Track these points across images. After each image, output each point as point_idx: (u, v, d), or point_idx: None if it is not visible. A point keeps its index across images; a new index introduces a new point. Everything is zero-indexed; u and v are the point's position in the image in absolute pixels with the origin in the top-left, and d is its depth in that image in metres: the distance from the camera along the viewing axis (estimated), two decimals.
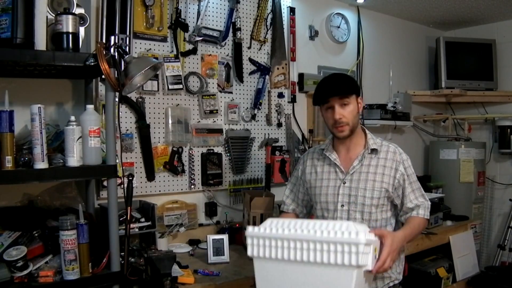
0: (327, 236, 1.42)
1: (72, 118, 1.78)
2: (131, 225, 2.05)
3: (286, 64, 3.08)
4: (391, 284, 1.85)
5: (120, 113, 2.09)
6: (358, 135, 1.89)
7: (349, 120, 1.80)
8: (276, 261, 1.50)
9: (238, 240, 2.61)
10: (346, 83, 1.84)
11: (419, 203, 1.84)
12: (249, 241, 1.54)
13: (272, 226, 1.53)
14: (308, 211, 2.05)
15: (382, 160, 1.84)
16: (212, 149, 2.74)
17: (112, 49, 1.82)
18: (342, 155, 1.90)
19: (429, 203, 1.87)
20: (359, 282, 1.43)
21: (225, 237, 2.33)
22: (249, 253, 1.55)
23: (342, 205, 1.84)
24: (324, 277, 1.43)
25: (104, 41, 2.25)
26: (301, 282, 1.47)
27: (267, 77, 2.98)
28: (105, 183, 2.08)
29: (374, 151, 1.86)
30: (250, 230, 1.55)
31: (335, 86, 1.81)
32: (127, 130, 2.43)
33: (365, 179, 1.82)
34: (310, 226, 1.48)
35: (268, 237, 1.51)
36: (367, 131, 1.93)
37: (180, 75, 2.57)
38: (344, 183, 1.85)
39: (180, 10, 2.59)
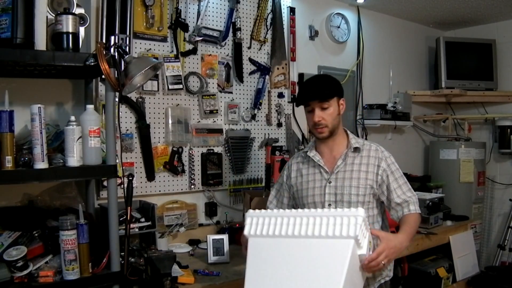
0: (328, 211, 1.48)
1: (72, 118, 1.77)
2: (131, 225, 2.05)
3: (286, 64, 3.08)
4: (382, 281, 1.87)
5: (120, 113, 2.09)
6: (340, 136, 1.92)
7: (328, 123, 1.84)
8: (273, 237, 1.51)
9: (238, 240, 2.59)
10: (326, 87, 1.87)
11: (407, 198, 1.86)
12: (248, 220, 1.57)
13: (273, 210, 1.58)
14: None
15: (365, 158, 1.88)
16: (212, 149, 2.74)
17: (112, 49, 1.82)
18: (326, 155, 1.93)
19: (417, 197, 1.90)
20: (353, 265, 1.43)
21: (225, 237, 2.33)
22: (245, 231, 1.58)
23: (329, 204, 1.86)
24: (321, 249, 1.44)
25: (104, 41, 2.25)
26: (297, 256, 1.47)
27: (267, 77, 2.98)
28: (105, 183, 2.08)
29: (356, 149, 1.89)
30: (251, 211, 1.59)
31: (315, 90, 1.85)
32: (127, 130, 2.43)
33: (349, 177, 1.85)
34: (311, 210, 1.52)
35: (268, 216, 1.55)
36: (348, 132, 1.96)
37: (180, 75, 2.57)
38: (330, 182, 1.87)
39: (180, 10, 2.59)
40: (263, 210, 1.58)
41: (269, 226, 1.53)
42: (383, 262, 1.57)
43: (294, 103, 1.97)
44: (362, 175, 1.85)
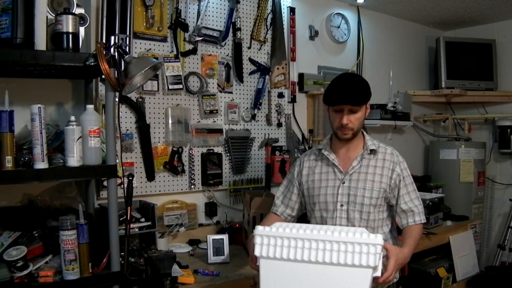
0: (345, 237, 1.41)
1: (72, 118, 1.77)
2: (131, 225, 2.05)
3: (286, 64, 3.08)
4: (390, 283, 1.87)
5: (120, 113, 2.09)
6: (358, 137, 1.91)
7: (355, 126, 1.83)
8: (287, 261, 1.47)
9: (238, 240, 2.61)
10: (361, 91, 1.83)
11: (412, 207, 1.87)
12: (257, 240, 1.50)
13: (282, 227, 1.51)
14: (297, 214, 2.05)
15: (380, 161, 1.88)
16: (212, 149, 2.74)
17: (112, 49, 1.82)
18: (341, 155, 1.91)
19: (422, 206, 1.91)
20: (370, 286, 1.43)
21: (225, 237, 2.33)
22: (256, 252, 1.50)
23: (341, 205, 1.85)
24: (338, 277, 1.41)
25: (104, 41, 2.25)
26: (312, 283, 1.44)
27: (267, 77, 2.98)
28: (105, 183, 2.08)
29: (372, 151, 1.89)
30: (260, 229, 1.51)
31: (349, 94, 1.79)
32: (127, 130, 2.43)
33: (364, 179, 1.85)
34: (323, 228, 1.47)
35: (280, 237, 1.48)
36: (364, 133, 1.95)
37: (180, 75, 2.57)
38: (343, 183, 1.86)
39: (180, 10, 2.59)
40: (273, 228, 1.50)
41: (282, 249, 1.47)
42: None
43: (325, 101, 1.90)
44: (376, 178, 1.85)
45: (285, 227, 1.50)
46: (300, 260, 1.45)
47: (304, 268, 1.45)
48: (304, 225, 1.52)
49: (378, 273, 1.45)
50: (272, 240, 1.49)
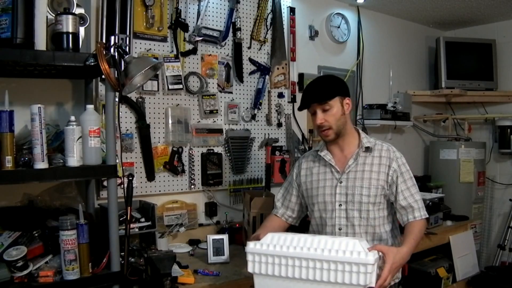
0: (335, 255, 1.42)
1: (72, 118, 1.77)
2: (131, 225, 2.05)
3: (286, 64, 3.08)
4: (392, 283, 1.86)
5: (120, 113, 2.09)
6: (350, 135, 1.91)
7: (332, 124, 1.83)
8: (280, 278, 1.48)
9: (238, 240, 2.61)
10: (326, 88, 1.85)
11: (412, 202, 1.83)
12: (249, 257, 1.53)
13: (274, 242, 1.52)
14: (298, 215, 2.05)
15: (376, 158, 1.87)
16: (212, 149, 2.74)
17: (112, 49, 1.82)
18: (337, 155, 1.92)
19: (422, 201, 1.87)
20: None
21: (225, 237, 2.33)
22: (249, 269, 1.54)
23: (340, 205, 1.85)
24: None
25: (104, 41, 2.25)
26: None
27: (267, 77, 2.98)
28: (105, 183, 2.08)
29: (368, 149, 1.88)
30: (251, 246, 1.54)
31: (314, 93, 1.85)
32: (127, 130, 2.43)
33: (361, 177, 1.84)
34: (315, 243, 1.47)
35: (271, 255, 1.50)
36: (360, 131, 1.95)
37: (180, 75, 2.57)
38: (341, 182, 1.86)
39: (180, 10, 2.59)
40: (263, 246, 1.52)
41: (274, 266, 1.49)
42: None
43: (298, 108, 1.94)
44: (373, 175, 1.84)
45: (275, 244, 1.52)
46: (292, 278, 1.46)
47: (296, 285, 1.47)
48: (296, 238, 1.52)
49: (373, 284, 1.45)
50: (264, 258, 1.51)
